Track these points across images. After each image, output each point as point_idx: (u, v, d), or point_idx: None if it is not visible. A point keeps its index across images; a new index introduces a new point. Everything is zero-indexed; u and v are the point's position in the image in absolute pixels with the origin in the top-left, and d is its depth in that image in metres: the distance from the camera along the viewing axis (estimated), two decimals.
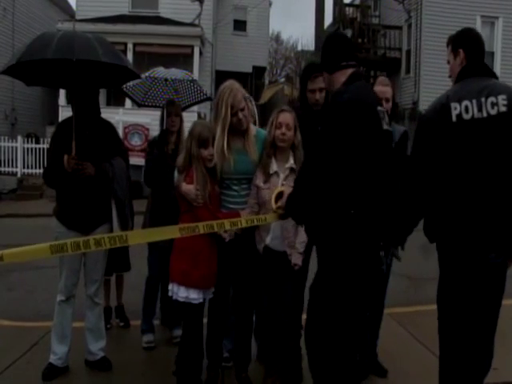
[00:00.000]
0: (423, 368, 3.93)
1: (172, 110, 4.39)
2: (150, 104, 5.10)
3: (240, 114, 3.34)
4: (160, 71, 4.81)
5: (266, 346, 3.61)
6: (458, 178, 2.61)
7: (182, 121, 4.48)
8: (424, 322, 4.74)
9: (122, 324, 4.82)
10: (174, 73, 4.89)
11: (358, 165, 2.55)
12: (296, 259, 3.33)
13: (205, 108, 18.17)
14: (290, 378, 3.52)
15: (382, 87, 3.58)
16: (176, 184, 3.30)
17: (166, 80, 4.90)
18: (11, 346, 4.32)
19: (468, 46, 2.76)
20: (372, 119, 2.63)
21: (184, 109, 4.93)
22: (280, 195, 3.07)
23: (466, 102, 2.58)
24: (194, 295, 3.23)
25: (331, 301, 2.65)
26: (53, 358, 3.77)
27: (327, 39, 2.87)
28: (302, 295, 3.79)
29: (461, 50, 2.76)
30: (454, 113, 2.59)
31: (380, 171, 2.64)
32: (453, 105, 2.60)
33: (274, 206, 3.08)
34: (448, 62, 2.86)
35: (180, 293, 3.24)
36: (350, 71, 2.73)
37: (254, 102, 4.15)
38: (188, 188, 3.21)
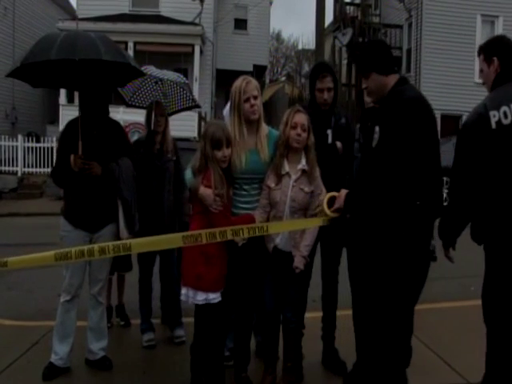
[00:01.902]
0: (423, 365, 3.93)
1: (157, 111, 4.39)
2: (136, 104, 5.04)
3: (252, 101, 3.32)
4: (152, 70, 4.77)
5: (266, 343, 3.60)
6: (501, 181, 2.72)
7: (167, 121, 4.48)
8: (423, 320, 4.72)
9: (122, 323, 4.82)
10: (166, 73, 4.86)
11: (425, 158, 2.66)
12: (298, 262, 3.32)
13: (206, 107, 18.18)
14: (290, 376, 3.51)
15: None
16: (192, 186, 3.25)
17: (156, 83, 4.88)
18: (11, 345, 4.31)
19: (502, 54, 2.85)
20: (433, 116, 2.76)
21: (170, 114, 4.88)
22: (332, 200, 3.05)
23: (504, 108, 2.69)
24: (212, 295, 3.22)
25: (393, 291, 2.70)
26: (54, 358, 3.76)
27: (380, 43, 2.97)
28: (305, 294, 3.79)
29: (495, 58, 2.85)
30: (493, 120, 2.71)
31: (439, 164, 2.76)
32: (491, 113, 2.72)
33: (327, 210, 3.06)
34: (481, 71, 2.96)
35: (198, 296, 3.21)
36: (398, 76, 2.86)
37: None
38: (207, 193, 3.16)
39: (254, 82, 3.38)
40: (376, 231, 2.79)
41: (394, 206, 2.66)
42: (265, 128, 3.49)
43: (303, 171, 3.35)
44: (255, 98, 3.34)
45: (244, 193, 3.40)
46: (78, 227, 3.73)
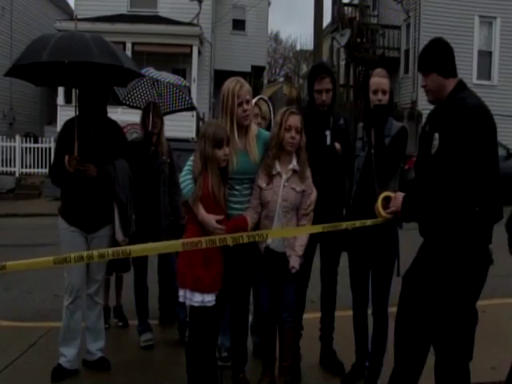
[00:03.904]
0: None
1: (154, 112, 4.39)
2: (130, 103, 5.03)
3: (245, 106, 3.30)
4: (151, 72, 4.76)
5: (263, 345, 3.60)
6: None
7: (162, 123, 4.48)
8: None
9: (120, 324, 4.82)
10: (164, 76, 4.85)
11: (486, 166, 2.67)
12: (294, 262, 3.32)
13: (204, 108, 18.18)
14: (286, 376, 3.50)
15: (379, 78, 3.51)
16: (190, 198, 3.20)
17: (153, 84, 4.86)
18: (9, 346, 4.30)
19: None
20: (494, 124, 2.75)
21: (164, 114, 4.89)
22: (387, 199, 3.04)
23: None
24: (208, 298, 3.21)
25: (452, 297, 2.72)
26: (62, 360, 3.75)
27: (445, 44, 2.91)
28: (303, 295, 3.78)
29: None
30: None
31: (497, 172, 2.77)
32: None
33: (381, 211, 3.04)
34: None
35: (195, 298, 3.19)
36: (457, 79, 2.85)
37: (270, 104, 4.10)
38: (208, 219, 3.15)
39: (246, 86, 3.36)
40: (436, 237, 2.81)
41: (454, 212, 2.69)
42: (254, 128, 3.48)
43: (294, 171, 3.36)
44: (247, 102, 3.33)
45: (236, 193, 3.39)
46: (74, 225, 3.73)
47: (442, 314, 2.75)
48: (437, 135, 2.72)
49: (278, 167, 3.34)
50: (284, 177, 3.34)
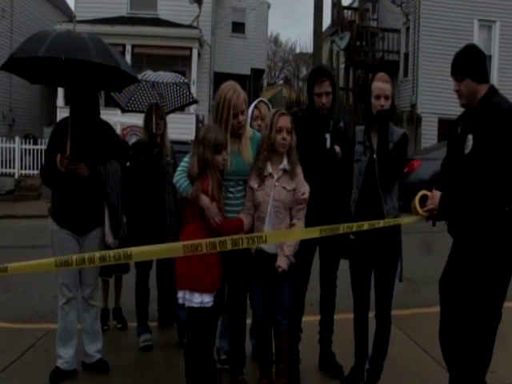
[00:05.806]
0: (420, 370, 3.94)
1: (157, 114, 4.40)
2: (133, 109, 5.03)
3: (240, 117, 3.32)
4: (149, 74, 4.77)
5: (260, 348, 3.59)
6: None
7: (165, 124, 4.49)
8: (421, 324, 4.73)
9: (119, 326, 4.81)
10: (162, 76, 4.85)
11: None
12: (280, 261, 3.31)
13: (203, 110, 18.20)
14: (283, 378, 3.50)
15: (382, 83, 3.50)
16: (191, 195, 3.21)
17: (152, 86, 4.87)
18: (8, 347, 4.29)
19: None
20: None
21: (168, 113, 4.91)
22: (424, 198, 3.09)
23: None
24: (207, 299, 3.21)
25: (483, 297, 2.82)
26: (59, 362, 3.74)
27: (479, 51, 3.00)
28: (302, 298, 3.78)
29: None
30: None
31: None
32: None
33: (419, 209, 3.09)
34: None
35: (195, 299, 3.20)
36: (489, 85, 2.95)
37: (270, 106, 4.11)
38: (209, 204, 3.17)
39: (242, 95, 3.35)
40: (465, 235, 2.89)
41: (485, 211, 2.78)
42: (248, 130, 3.50)
43: (284, 171, 3.37)
44: (242, 113, 3.34)
45: (230, 195, 3.40)
46: (64, 227, 3.72)
47: (472, 314, 2.84)
48: (470, 136, 2.84)
49: (269, 168, 3.36)
50: (275, 177, 3.35)
